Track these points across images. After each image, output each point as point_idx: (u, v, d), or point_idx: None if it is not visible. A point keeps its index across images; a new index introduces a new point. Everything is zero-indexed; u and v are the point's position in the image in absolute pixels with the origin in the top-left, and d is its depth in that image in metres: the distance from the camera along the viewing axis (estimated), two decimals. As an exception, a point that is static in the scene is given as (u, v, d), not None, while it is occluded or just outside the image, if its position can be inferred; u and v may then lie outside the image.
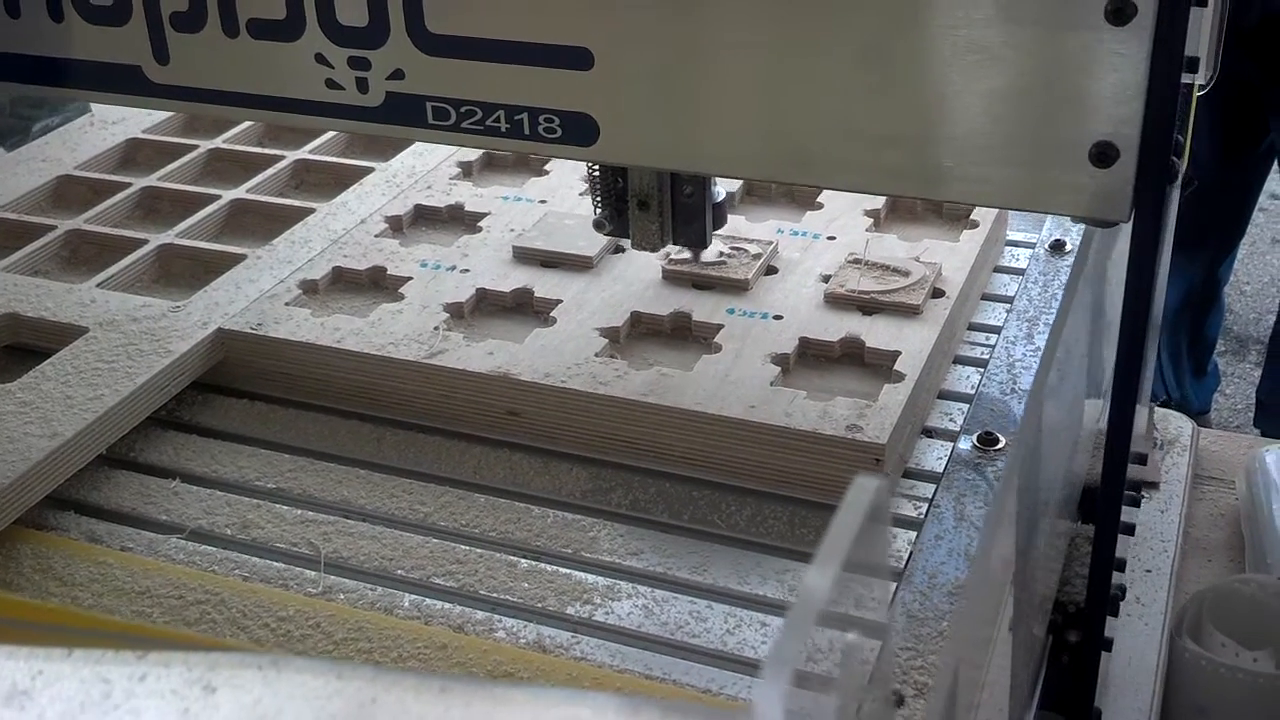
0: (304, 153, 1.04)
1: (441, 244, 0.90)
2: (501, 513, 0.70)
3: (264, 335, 0.79)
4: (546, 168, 1.00)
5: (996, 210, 0.90)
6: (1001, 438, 0.69)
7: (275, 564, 0.67)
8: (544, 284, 0.84)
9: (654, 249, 0.75)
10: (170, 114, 1.10)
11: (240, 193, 0.98)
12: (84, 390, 0.74)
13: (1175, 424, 1.07)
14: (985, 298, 0.87)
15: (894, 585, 0.61)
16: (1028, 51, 0.52)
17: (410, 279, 0.85)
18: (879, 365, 0.76)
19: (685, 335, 0.81)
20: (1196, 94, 0.71)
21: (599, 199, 0.76)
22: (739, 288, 0.83)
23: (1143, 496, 0.97)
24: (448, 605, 0.64)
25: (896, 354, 0.76)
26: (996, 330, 0.82)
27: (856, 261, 0.84)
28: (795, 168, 0.59)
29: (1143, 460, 0.96)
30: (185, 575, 0.66)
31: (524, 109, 0.60)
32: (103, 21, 0.66)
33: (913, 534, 0.65)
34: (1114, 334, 0.58)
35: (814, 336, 0.78)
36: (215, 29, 0.64)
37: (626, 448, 0.73)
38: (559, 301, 0.82)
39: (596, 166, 0.74)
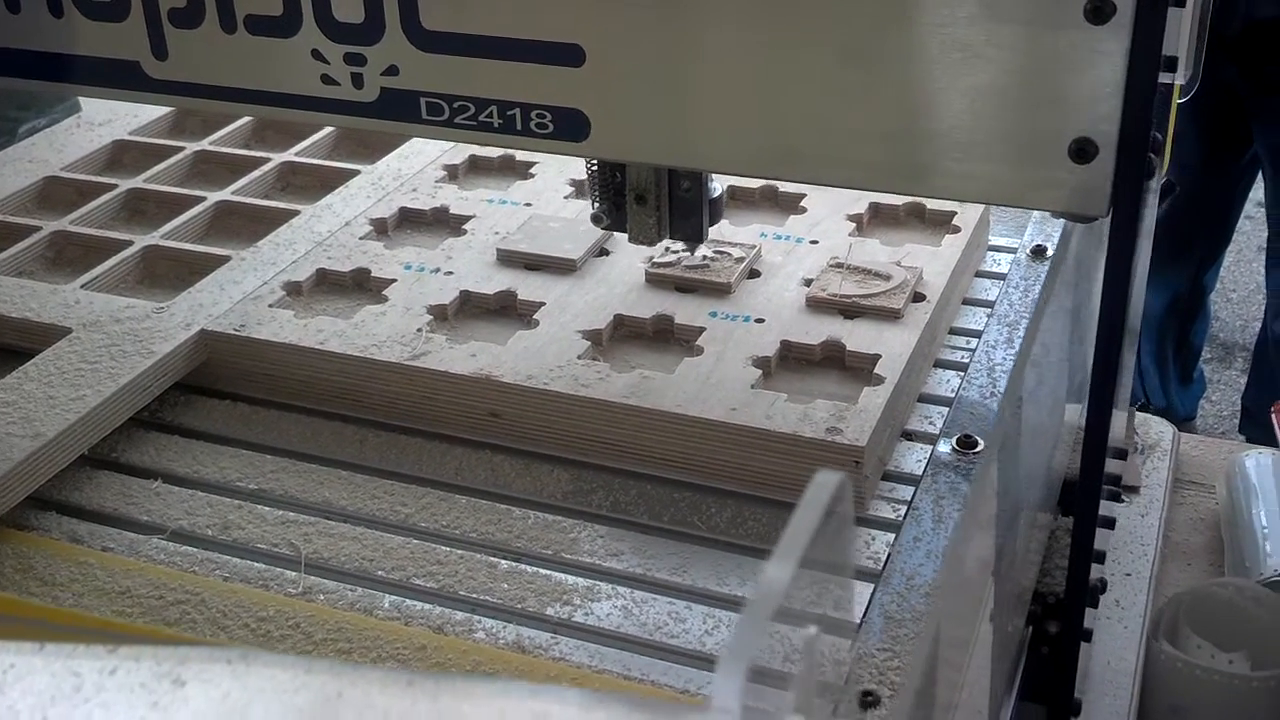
0: (290, 155, 1.04)
1: (426, 246, 0.91)
2: (482, 514, 0.70)
3: (247, 337, 0.80)
4: (531, 171, 1.00)
5: (978, 216, 0.90)
6: (981, 441, 0.70)
7: (256, 564, 0.67)
8: (527, 286, 0.84)
9: (651, 243, 0.75)
10: (157, 116, 1.10)
11: (225, 195, 0.98)
12: (66, 390, 0.74)
13: (1156, 429, 1.08)
14: (966, 302, 0.87)
15: (871, 586, 0.61)
16: (1009, 49, 0.53)
17: (394, 281, 0.85)
18: (859, 368, 0.76)
19: (667, 338, 0.81)
20: (1179, 99, 0.72)
21: (597, 193, 0.76)
22: (721, 291, 0.83)
23: (1121, 492, 0.97)
24: (427, 606, 0.64)
25: (877, 357, 0.76)
26: (977, 334, 0.82)
27: (838, 265, 0.84)
28: (782, 164, 0.60)
29: (1123, 455, 0.97)
30: (166, 575, 0.66)
31: (516, 104, 0.61)
32: (102, 17, 0.66)
33: (891, 536, 0.65)
34: (1094, 334, 0.59)
35: (795, 339, 0.78)
36: (213, 25, 0.64)
37: (608, 449, 0.73)
38: (542, 304, 0.82)
39: (594, 162, 0.75)
